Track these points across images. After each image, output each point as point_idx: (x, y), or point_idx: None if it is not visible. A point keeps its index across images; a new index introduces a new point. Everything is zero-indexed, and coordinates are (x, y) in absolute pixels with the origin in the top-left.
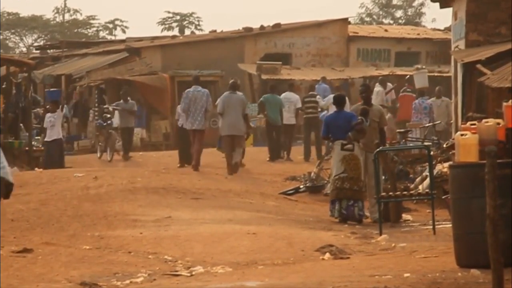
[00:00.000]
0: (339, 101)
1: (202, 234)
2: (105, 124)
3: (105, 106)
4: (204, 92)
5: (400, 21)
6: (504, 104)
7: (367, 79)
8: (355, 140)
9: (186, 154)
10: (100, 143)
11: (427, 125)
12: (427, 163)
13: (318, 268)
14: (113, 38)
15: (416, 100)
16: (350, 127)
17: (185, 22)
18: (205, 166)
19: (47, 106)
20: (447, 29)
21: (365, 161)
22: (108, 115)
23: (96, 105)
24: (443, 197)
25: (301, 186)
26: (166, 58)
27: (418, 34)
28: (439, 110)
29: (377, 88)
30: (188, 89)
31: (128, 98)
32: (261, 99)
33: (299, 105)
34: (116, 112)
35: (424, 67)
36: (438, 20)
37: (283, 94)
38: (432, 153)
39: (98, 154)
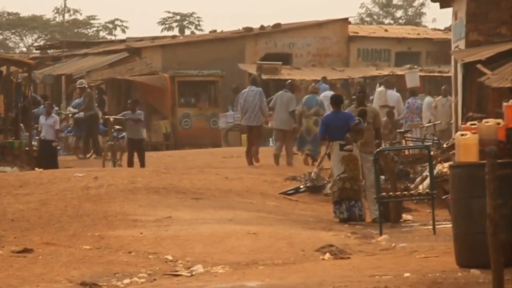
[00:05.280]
0: (336, 101)
1: (202, 234)
2: (118, 137)
3: (111, 117)
4: (257, 91)
5: (400, 21)
6: (504, 104)
7: (367, 79)
8: (353, 141)
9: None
10: (107, 158)
11: (427, 124)
12: (427, 163)
13: (318, 268)
14: (113, 38)
15: (409, 99)
16: (348, 128)
17: (185, 22)
18: (205, 166)
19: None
20: (447, 29)
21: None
22: (120, 127)
23: (101, 115)
24: (443, 197)
25: (301, 186)
26: (166, 58)
27: (418, 34)
28: (443, 109)
29: (380, 88)
30: (244, 90)
31: (136, 109)
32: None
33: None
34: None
35: (416, 66)
36: (438, 20)
37: (322, 94)
38: (432, 153)
39: (103, 164)
